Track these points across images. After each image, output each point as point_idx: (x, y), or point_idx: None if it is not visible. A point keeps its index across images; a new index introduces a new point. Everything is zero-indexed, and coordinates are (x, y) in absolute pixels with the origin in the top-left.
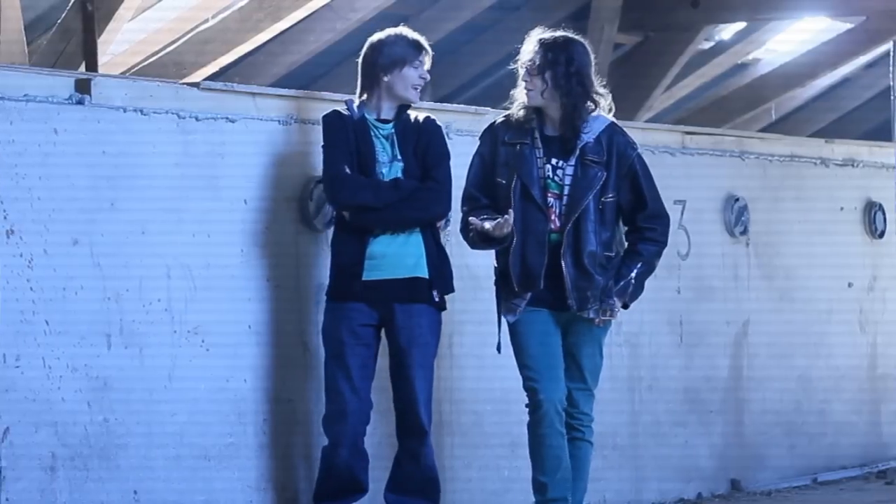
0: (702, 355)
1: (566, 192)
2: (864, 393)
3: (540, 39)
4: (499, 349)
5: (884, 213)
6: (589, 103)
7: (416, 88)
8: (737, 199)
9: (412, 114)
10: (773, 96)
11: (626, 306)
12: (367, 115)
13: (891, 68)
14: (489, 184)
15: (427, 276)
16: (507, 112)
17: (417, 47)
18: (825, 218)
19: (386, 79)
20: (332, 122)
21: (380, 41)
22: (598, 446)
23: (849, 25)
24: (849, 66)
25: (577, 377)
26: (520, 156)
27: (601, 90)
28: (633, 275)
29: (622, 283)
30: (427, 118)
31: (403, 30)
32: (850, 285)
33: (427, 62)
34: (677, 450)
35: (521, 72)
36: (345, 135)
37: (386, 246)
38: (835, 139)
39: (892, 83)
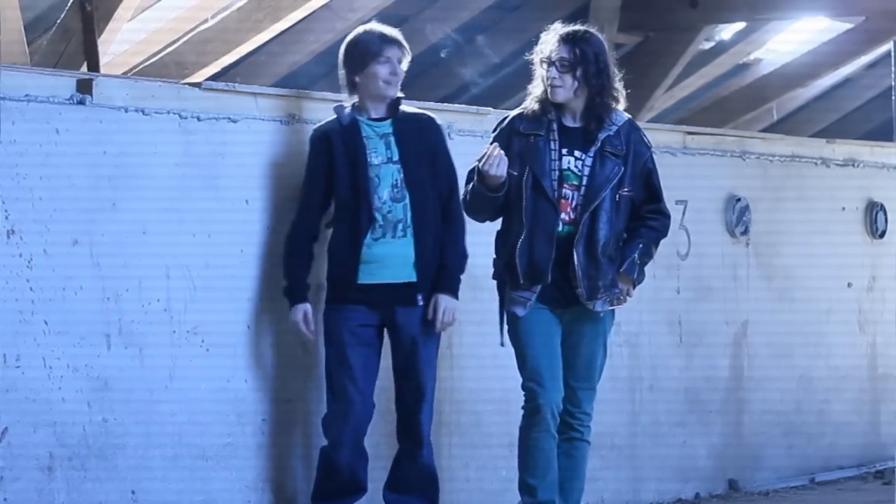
0: (701, 355)
1: (584, 182)
2: (863, 393)
3: (566, 34)
4: (502, 343)
5: (885, 213)
6: (611, 100)
7: (388, 83)
8: (738, 200)
9: (410, 110)
10: (774, 96)
11: (633, 286)
12: (358, 118)
13: (892, 68)
14: None
15: (416, 280)
16: (523, 106)
17: (382, 41)
18: (826, 218)
19: (358, 79)
20: (314, 144)
21: (349, 41)
22: (597, 446)
23: (849, 25)
24: (850, 66)
25: (582, 375)
26: (533, 147)
27: (618, 85)
28: (636, 255)
29: (627, 263)
30: (429, 119)
31: (373, 25)
32: (849, 285)
33: (397, 54)
34: (675, 450)
35: (543, 67)
36: (323, 160)
37: (382, 248)
38: (836, 139)
39: (893, 83)
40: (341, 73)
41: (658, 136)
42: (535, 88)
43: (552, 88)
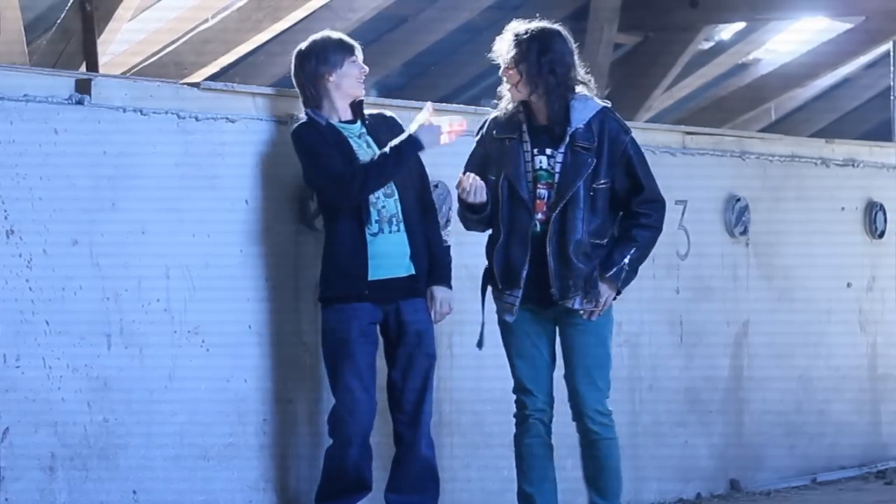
0: (702, 355)
1: (556, 179)
2: (864, 393)
3: (514, 33)
4: (479, 346)
5: (884, 213)
6: (568, 94)
7: (360, 81)
8: (738, 200)
9: (367, 111)
10: (773, 96)
11: (618, 293)
12: (331, 122)
13: (891, 68)
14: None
15: (415, 273)
16: (499, 107)
17: (347, 45)
18: (826, 218)
19: (332, 78)
20: (307, 132)
21: (311, 49)
22: None
23: (848, 25)
24: (849, 66)
25: (581, 374)
26: (507, 151)
27: (582, 76)
28: (626, 261)
29: (615, 270)
30: (391, 117)
31: (327, 33)
32: (849, 285)
33: (360, 55)
34: (677, 450)
35: (502, 67)
36: (324, 139)
37: (384, 246)
38: (835, 139)
39: (892, 83)
40: (305, 78)
41: (657, 136)
42: (504, 90)
43: (506, 87)
